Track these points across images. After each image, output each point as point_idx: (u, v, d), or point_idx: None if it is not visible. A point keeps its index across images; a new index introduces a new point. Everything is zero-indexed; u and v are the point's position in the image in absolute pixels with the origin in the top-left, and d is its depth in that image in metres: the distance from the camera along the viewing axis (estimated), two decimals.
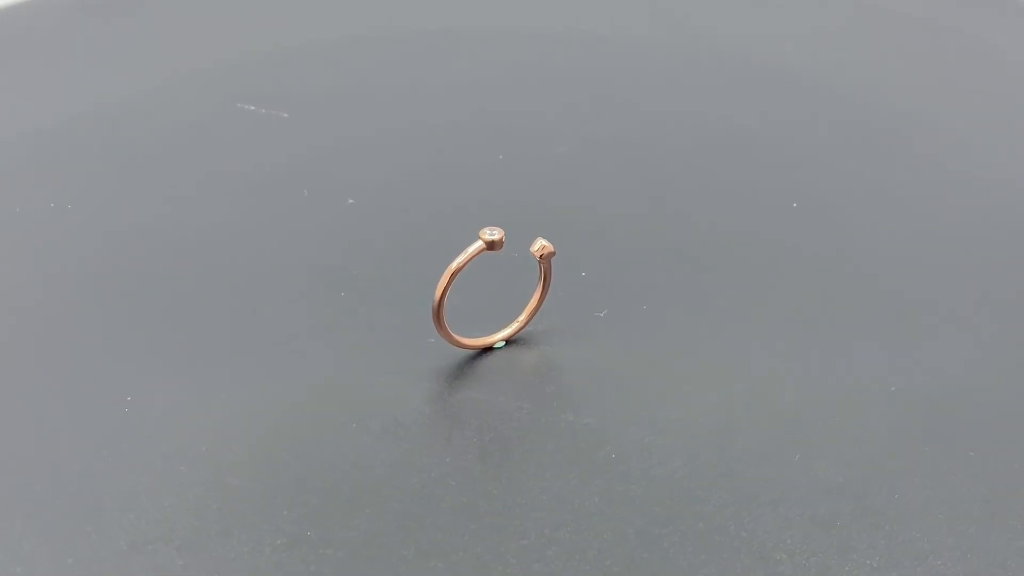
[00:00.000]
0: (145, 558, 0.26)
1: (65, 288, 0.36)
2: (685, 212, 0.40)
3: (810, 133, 0.45)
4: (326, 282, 0.36)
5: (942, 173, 0.42)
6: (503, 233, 0.31)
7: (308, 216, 0.40)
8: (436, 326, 0.32)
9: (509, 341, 0.34)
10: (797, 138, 0.44)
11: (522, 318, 0.34)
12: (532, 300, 0.33)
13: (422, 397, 0.31)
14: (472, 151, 0.44)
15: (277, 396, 0.31)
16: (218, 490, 0.28)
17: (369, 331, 0.34)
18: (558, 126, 0.45)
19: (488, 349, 0.33)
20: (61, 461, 0.29)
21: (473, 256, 0.31)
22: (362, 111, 0.47)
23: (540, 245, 0.32)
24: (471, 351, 0.33)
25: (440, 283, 0.31)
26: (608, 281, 0.36)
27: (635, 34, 0.53)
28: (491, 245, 0.31)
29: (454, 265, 0.31)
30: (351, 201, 0.40)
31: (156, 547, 0.27)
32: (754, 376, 0.32)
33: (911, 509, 0.28)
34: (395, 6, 0.56)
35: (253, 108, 0.46)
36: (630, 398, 0.31)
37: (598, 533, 0.27)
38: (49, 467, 0.29)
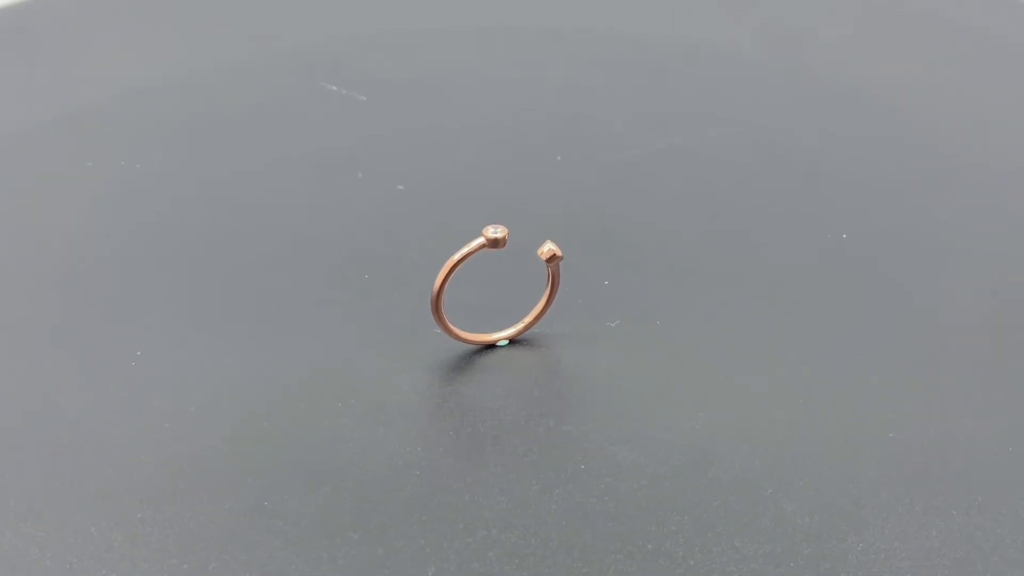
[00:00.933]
0: (107, 505, 0.28)
1: (108, 239, 0.38)
2: (727, 232, 0.39)
3: (882, 163, 0.43)
4: (354, 263, 0.37)
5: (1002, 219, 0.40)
6: (506, 232, 0.31)
7: (356, 198, 0.40)
8: (434, 316, 0.32)
9: (513, 340, 0.34)
10: (866, 166, 0.43)
11: (527, 320, 0.34)
12: (539, 303, 0.33)
13: (412, 385, 0.32)
14: (531, 150, 0.44)
15: (276, 368, 0.32)
16: (195, 451, 0.29)
17: (381, 315, 0.35)
18: (625, 132, 0.45)
19: (490, 346, 0.34)
20: (56, 403, 0.31)
21: (474, 251, 0.31)
22: (435, 101, 0.47)
23: (547, 248, 0.32)
24: (474, 346, 0.33)
25: (439, 275, 0.31)
26: (631, 292, 0.36)
27: (715, 44, 0.52)
28: (494, 243, 0.31)
29: (455, 257, 0.31)
30: (400, 188, 0.41)
31: (121, 496, 0.28)
32: (749, 405, 0.31)
33: (873, 560, 0.27)
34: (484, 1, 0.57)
35: (335, 88, 0.47)
36: (617, 411, 0.31)
37: (544, 541, 0.27)
38: (42, 407, 0.31)
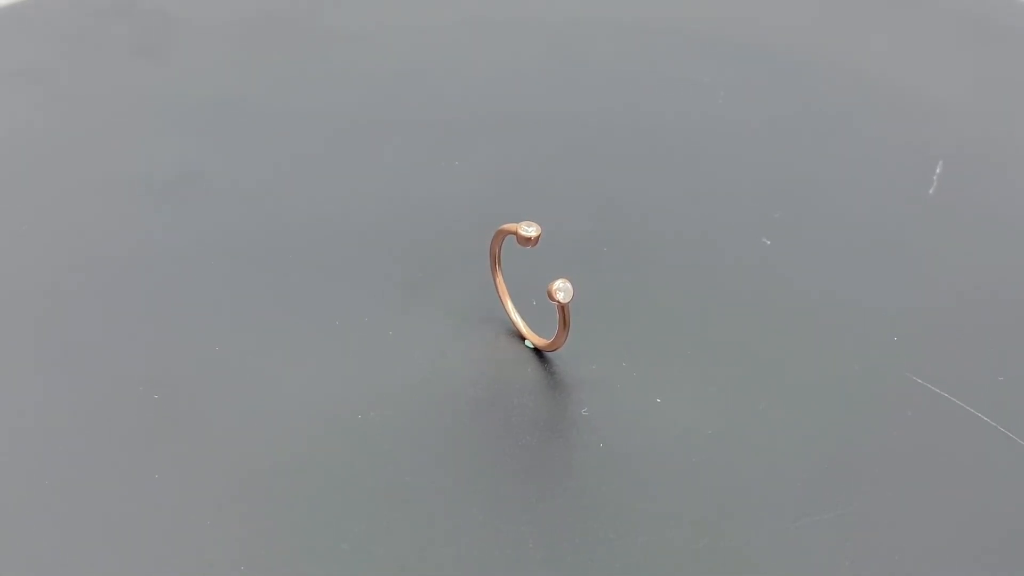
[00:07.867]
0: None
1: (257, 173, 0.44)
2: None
3: None
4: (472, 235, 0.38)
5: None
6: (539, 232, 0.31)
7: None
8: (491, 270, 0.35)
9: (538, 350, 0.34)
10: None
11: (542, 343, 0.34)
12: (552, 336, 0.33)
13: (417, 360, 0.34)
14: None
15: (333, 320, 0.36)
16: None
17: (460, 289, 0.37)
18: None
19: (522, 337, 0.35)
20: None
21: (508, 233, 0.32)
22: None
23: (552, 284, 0.31)
24: (520, 333, 0.35)
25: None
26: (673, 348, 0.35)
27: None
28: (525, 240, 0.32)
29: (502, 227, 0.33)
30: (767, 242, 0.39)
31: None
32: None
33: None
34: None
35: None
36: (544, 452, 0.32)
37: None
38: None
